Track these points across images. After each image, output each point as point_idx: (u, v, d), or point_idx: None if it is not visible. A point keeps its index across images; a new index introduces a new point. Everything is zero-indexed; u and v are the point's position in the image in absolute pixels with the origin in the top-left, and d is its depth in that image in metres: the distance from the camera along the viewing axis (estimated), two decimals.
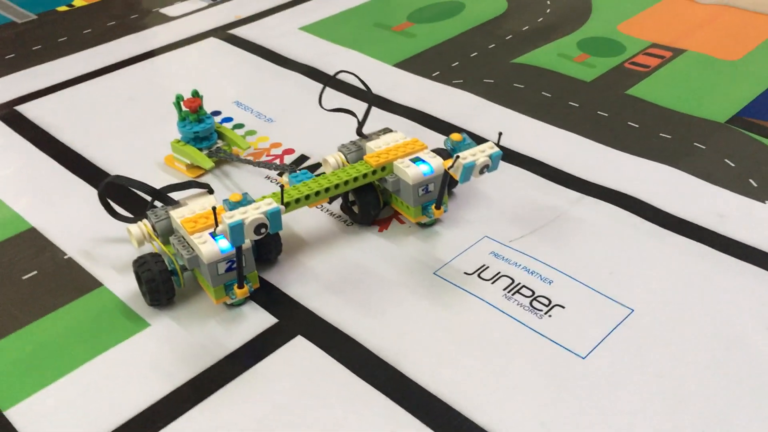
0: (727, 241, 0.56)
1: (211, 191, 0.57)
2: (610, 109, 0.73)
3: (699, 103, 0.73)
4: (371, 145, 0.58)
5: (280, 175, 0.64)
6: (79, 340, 0.50)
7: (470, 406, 0.45)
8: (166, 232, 0.52)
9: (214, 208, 0.48)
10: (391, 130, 0.60)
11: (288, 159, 0.67)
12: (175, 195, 0.57)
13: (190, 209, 0.51)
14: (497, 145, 0.52)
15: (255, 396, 0.46)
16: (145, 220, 0.52)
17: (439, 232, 0.58)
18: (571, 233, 0.57)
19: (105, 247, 0.57)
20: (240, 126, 0.72)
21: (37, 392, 0.46)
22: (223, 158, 0.65)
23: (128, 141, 0.70)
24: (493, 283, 0.53)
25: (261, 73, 0.82)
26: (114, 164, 0.67)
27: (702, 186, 0.62)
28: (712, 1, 0.93)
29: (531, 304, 0.51)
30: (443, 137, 0.69)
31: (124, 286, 0.54)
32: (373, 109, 0.74)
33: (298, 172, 0.56)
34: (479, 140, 0.68)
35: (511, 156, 0.66)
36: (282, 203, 0.50)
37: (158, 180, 0.63)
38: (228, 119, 0.73)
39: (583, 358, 0.47)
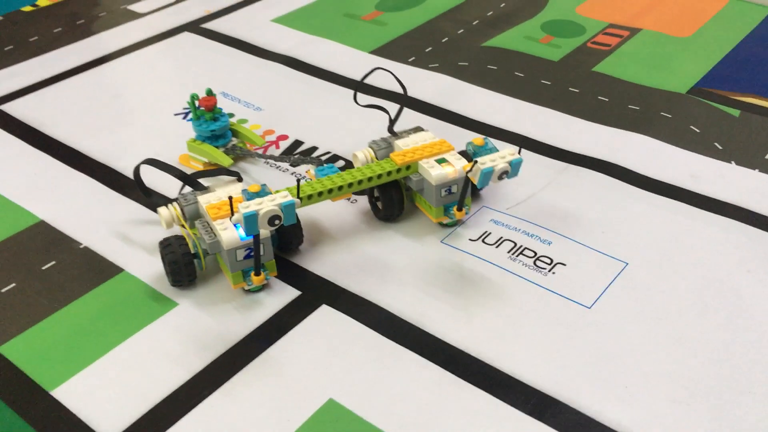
0: (702, 198, 0.61)
1: (240, 179, 0.58)
2: (581, 85, 0.78)
3: (660, 76, 0.79)
4: (400, 143, 0.59)
5: (293, 165, 0.65)
6: (111, 322, 0.51)
7: (493, 355, 0.48)
8: (194, 217, 0.54)
9: (230, 198, 0.50)
10: (422, 129, 0.61)
11: (283, 144, 0.70)
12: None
13: (217, 196, 0.53)
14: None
15: (290, 361, 0.48)
16: (175, 203, 0.54)
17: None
18: (562, 199, 0.62)
19: (119, 234, 0.59)
20: (230, 115, 0.74)
21: (78, 372, 0.48)
22: (240, 155, 0.66)
23: (122, 135, 0.72)
24: (497, 247, 0.57)
25: (241, 65, 0.84)
26: (112, 157, 0.68)
27: (673, 150, 0.67)
28: None
29: (534, 263, 0.55)
30: (429, 118, 0.73)
31: (145, 269, 0.55)
32: (359, 94, 0.77)
33: (324, 165, 0.58)
34: (464, 120, 0.72)
35: (496, 132, 0.70)
36: (298, 197, 0.52)
37: (154, 170, 0.65)
38: None
39: (589, 308, 0.52)
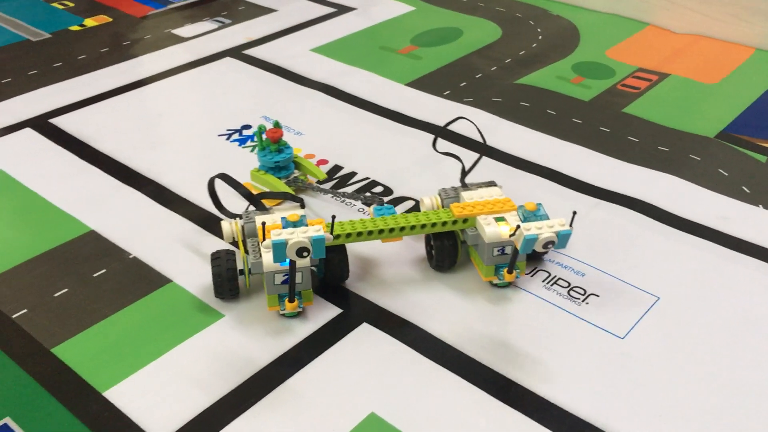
0: (732, 239, 0.63)
1: (302, 206, 0.59)
2: (611, 125, 0.80)
3: (688, 120, 0.81)
4: (465, 195, 0.58)
5: (368, 205, 0.65)
6: (160, 330, 0.53)
7: (530, 379, 0.50)
8: (251, 235, 0.56)
9: (263, 224, 0.51)
10: (495, 184, 0.60)
11: (324, 168, 0.72)
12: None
13: (273, 218, 0.55)
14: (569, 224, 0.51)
15: (333, 375, 0.50)
16: (238, 219, 0.56)
17: None
18: (594, 233, 0.64)
19: (167, 247, 0.61)
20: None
21: (129, 376, 0.50)
22: (301, 187, 0.66)
23: (167, 152, 0.74)
24: (532, 276, 0.59)
25: (282, 90, 0.87)
26: (158, 173, 0.71)
27: (702, 192, 0.69)
28: (687, 31, 1.02)
29: (569, 293, 0.57)
30: (463, 149, 0.75)
31: (193, 281, 0.57)
32: (395, 123, 0.80)
33: (383, 206, 0.59)
34: (496, 153, 0.74)
35: (530, 167, 0.72)
36: (331, 233, 0.53)
37: (198, 185, 0.67)
38: None
39: (622, 338, 0.53)
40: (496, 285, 0.57)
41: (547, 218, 0.52)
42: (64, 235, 0.62)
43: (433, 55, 0.96)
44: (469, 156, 0.69)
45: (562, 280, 0.58)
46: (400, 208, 0.67)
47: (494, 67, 0.93)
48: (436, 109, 0.83)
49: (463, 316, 0.55)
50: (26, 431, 0.46)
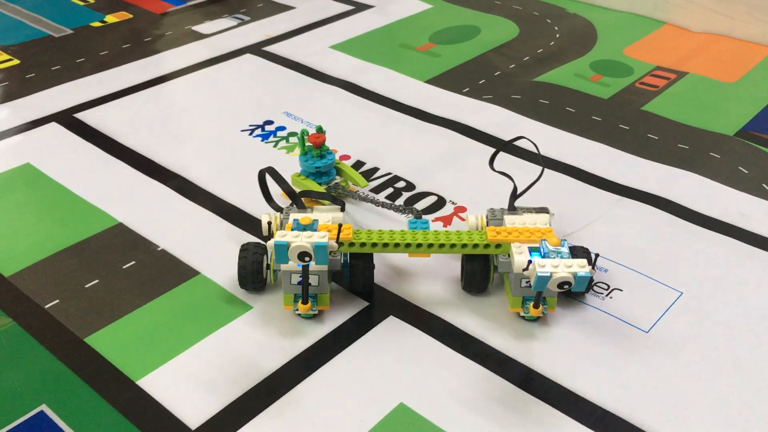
0: (753, 236, 0.64)
1: (343, 209, 0.59)
2: (630, 123, 0.81)
3: (707, 118, 0.82)
4: (508, 219, 0.56)
5: (403, 212, 0.63)
6: (191, 320, 0.54)
7: (555, 371, 0.51)
8: None
9: (269, 222, 0.51)
10: (547, 211, 0.58)
11: (347, 164, 0.73)
12: None
13: (312, 216, 0.54)
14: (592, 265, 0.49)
15: (362, 366, 0.51)
16: (277, 214, 0.57)
17: None
18: (616, 229, 0.64)
19: (194, 240, 0.62)
20: (294, 134, 0.78)
21: (162, 365, 0.51)
22: (341, 194, 0.65)
23: (191, 147, 0.75)
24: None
25: (302, 86, 0.87)
26: (182, 167, 0.72)
27: (722, 189, 0.70)
28: (704, 30, 1.03)
29: (593, 288, 0.58)
30: (482, 146, 0.76)
31: (221, 273, 0.58)
32: (415, 120, 0.81)
33: (418, 219, 0.57)
34: (517, 150, 0.75)
35: (551, 163, 0.73)
36: (336, 241, 0.51)
37: (223, 179, 0.69)
38: (281, 128, 0.79)
39: (647, 332, 0.54)
40: (522, 317, 0.54)
41: (569, 256, 0.50)
42: (92, 228, 0.63)
43: (452, 53, 0.97)
44: (528, 174, 0.63)
45: None
46: (423, 203, 0.67)
47: (512, 65, 0.94)
48: (457, 106, 0.83)
49: (488, 310, 0.55)
50: (62, 418, 0.47)
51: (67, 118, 0.80)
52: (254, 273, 0.55)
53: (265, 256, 0.56)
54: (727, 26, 1.02)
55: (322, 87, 0.87)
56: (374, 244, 0.54)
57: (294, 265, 0.51)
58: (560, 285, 0.47)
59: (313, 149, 0.65)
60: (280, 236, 0.49)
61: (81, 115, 0.81)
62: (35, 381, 0.49)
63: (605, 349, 0.52)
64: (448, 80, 0.90)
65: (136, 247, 0.61)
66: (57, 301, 0.56)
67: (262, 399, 0.48)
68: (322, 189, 0.65)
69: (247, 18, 1.06)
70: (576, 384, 0.50)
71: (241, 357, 0.51)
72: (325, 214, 0.56)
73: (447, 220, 0.65)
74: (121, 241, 0.62)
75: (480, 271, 0.55)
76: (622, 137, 0.78)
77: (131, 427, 0.46)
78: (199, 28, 1.03)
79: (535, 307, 0.51)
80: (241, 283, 0.56)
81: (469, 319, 0.55)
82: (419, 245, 0.54)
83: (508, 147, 0.70)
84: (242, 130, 0.78)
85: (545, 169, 0.59)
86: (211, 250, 0.61)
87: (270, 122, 0.80)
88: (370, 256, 0.55)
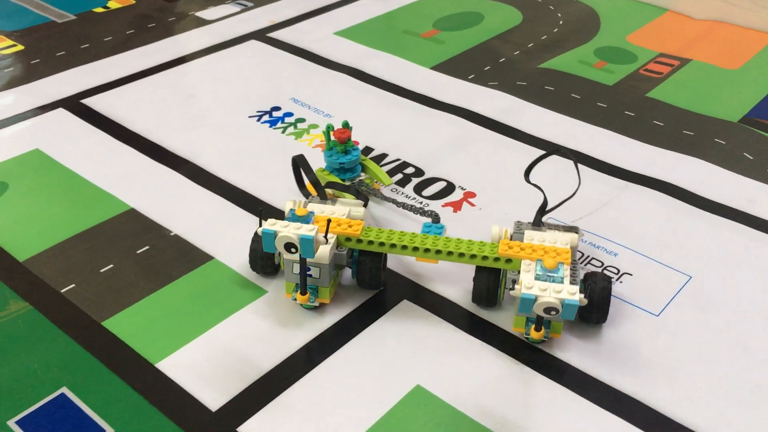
0: (759, 221, 0.64)
1: (365, 205, 0.58)
2: (636, 109, 0.81)
3: (712, 105, 0.82)
4: (527, 235, 0.53)
5: (422, 215, 0.61)
6: (206, 305, 0.55)
7: (568, 354, 0.51)
8: None
9: (260, 212, 0.52)
10: (577, 232, 0.55)
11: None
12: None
13: (330, 209, 0.55)
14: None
15: (378, 348, 0.51)
16: (303, 200, 0.57)
17: (509, 215, 0.64)
18: (624, 214, 0.65)
19: (207, 225, 0.62)
20: (302, 120, 0.78)
21: (180, 348, 0.51)
22: (365, 192, 0.63)
23: (200, 133, 0.75)
24: None
25: (307, 73, 0.87)
26: (192, 153, 0.72)
27: (728, 175, 0.70)
28: (706, 17, 1.03)
29: (603, 272, 0.58)
30: (490, 132, 0.76)
31: (234, 258, 0.59)
32: (422, 106, 0.81)
33: (434, 224, 0.56)
34: (523, 135, 0.75)
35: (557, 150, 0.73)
36: (325, 236, 0.50)
37: (233, 165, 0.69)
38: (289, 114, 0.79)
39: (657, 316, 0.55)
40: (526, 338, 0.52)
41: (561, 281, 0.47)
42: (105, 213, 0.64)
43: (456, 39, 0.97)
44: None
45: (596, 259, 0.60)
46: (432, 189, 0.68)
47: (517, 52, 0.94)
48: (463, 92, 0.84)
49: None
50: (83, 400, 0.47)
51: (75, 104, 0.80)
52: (264, 258, 0.56)
53: None
54: (729, 13, 1.03)
55: (328, 73, 0.88)
56: (381, 244, 0.53)
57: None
58: (546, 310, 0.46)
59: (338, 144, 0.64)
60: (269, 224, 0.49)
61: (88, 101, 0.81)
62: (55, 364, 0.50)
63: (617, 332, 0.53)
64: (453, 67, 0.90)
65: (150, 232, 0.61)
66: (72, 285, 0.56)
67: (281, 381, 0.49)
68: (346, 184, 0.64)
69: (250, 4, 1.06)
70: (590, 366, 0.51)
71: (260, 340, 0.52)
72: (345, 208, 0.55)
73: (457, 206, 0.66)
74: (133, 226, 0.62)
75: (487, 286, 0.53)
76: (627, 123, 0.79)
77: (152, 409, 0.47)
78: (203, 14, 1.03)
79: (536, 330, 0.50)
80: (252, 265, 0.56)
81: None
82: (427, 250, 0.53)
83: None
84: (250, 117, 0.78)
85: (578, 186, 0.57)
86: (224, 235, 0.61)
87: (277, 108, 0.80)
88: (379, 254, 0.54)
